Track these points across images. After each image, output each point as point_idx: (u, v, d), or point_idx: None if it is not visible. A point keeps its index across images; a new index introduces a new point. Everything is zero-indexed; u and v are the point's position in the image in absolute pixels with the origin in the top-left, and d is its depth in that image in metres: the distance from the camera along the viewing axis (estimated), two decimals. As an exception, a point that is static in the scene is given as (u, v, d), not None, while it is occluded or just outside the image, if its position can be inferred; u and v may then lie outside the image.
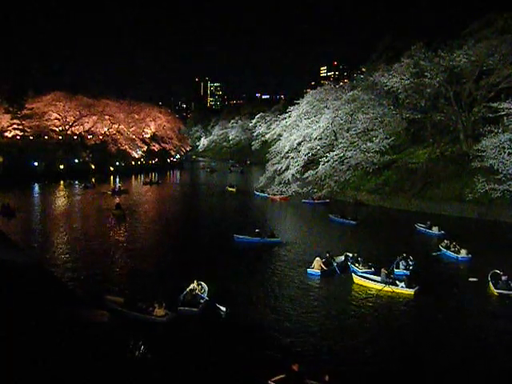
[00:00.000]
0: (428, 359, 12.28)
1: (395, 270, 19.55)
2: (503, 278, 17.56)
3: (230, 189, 53.51)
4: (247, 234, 25.50)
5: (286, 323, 14.33)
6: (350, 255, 21.02)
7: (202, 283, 16.33)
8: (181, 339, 13.12)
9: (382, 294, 17.14)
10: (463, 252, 22.82)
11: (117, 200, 41.27)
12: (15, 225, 29.14)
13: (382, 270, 18.16)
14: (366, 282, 18.14)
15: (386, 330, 14.36)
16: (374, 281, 17.97)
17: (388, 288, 17.29)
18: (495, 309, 16.52)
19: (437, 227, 29.32)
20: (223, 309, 14.87)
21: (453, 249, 23.53)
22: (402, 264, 19.95)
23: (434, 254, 23.59)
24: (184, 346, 12.64)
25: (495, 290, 17.44)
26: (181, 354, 12.10)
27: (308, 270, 19.48)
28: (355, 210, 36.44)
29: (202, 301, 15.24)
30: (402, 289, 17.17)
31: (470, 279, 18.87)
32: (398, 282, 17.52)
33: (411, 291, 16.99)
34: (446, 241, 24.70)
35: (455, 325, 14.89)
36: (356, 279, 18.45)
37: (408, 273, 19.24)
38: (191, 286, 15.89)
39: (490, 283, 18.04)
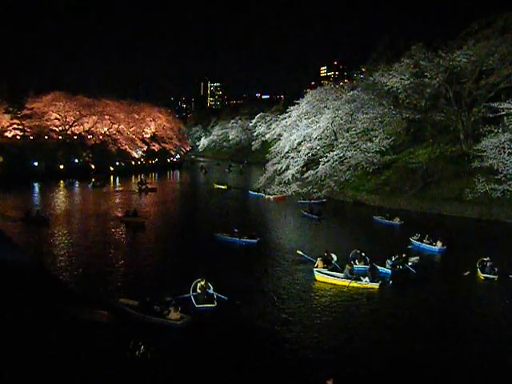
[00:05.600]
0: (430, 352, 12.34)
1: (380, 268, 19.86)
2: (488, 263, 19.38)
3: (218, 186, 54.71)
4: (227, 233, 25.76)
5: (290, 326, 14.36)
6: (358, 252, 21.14)
7: (205, 280, 16.48)
8: (195, 345, 12.99)
9: (346, 289, 17.42)
10: (439, 244, 23.85)
11: (142, 198, 42.32)
12: (17, 225, 28.51)
13: (347, 266, 18.48)
14: (328, 278, 18.33)
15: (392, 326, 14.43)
16: (336, 277, 18.24)
17: (353, 283, 17.61)
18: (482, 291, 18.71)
19: (398, 218, 31.48)
20: (225, 298, 15.52)
21: (427, 241, 24.33)
22: (388, 263, 19.97)
23: (410, 246, 24.04)
24: (198, 352, 12.46)
25: (482, 275, 19.32)
26: (194, 361, 11.95)
27: (314, 269, 19.51)
28: (323, 207, 38.33)
29: (214, 297, 15.63)
30: (366, 283, 17.61)
31: (465, 274, 19.64)
32: (361, 277, 17.87)
33: (376, 285, 17.52)
34: (417, 234, 25.40)
35: (452, 310, 15.63)
36: (318, 276, 18.57)
37: (390, 271, 19.57)
38: (198, 284, 16.06)
39: (478, 269, 19.63)
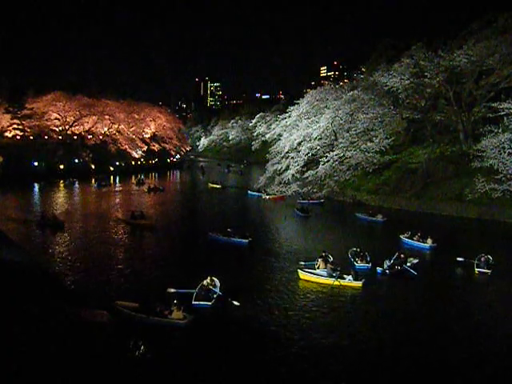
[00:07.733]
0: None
1: (379, 269, 19.84)
2: (482, 259, 20.22)
3: (212, 185, 55.31)
4: (221, 232, 25.83)
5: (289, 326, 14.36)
6: (357, 250, 21.28)
7: (215, 278, 16.65)
8: (197, 344, 12.95)
9: (330, 287, 17.57)
10: (429, 241, 24.32)
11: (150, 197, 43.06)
12: (18, 225, 28.29)
13: (328, 264, 18.60)
14: (312, 276, 18.41)
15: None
16: (320, 275, 18.33)
17: (337, 282, 17.73)
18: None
19: (380, 215, 32.52)
20: (236, 303, 15.33)
21: (417, 238, 24.72)
22: (386, 263, 19.87)
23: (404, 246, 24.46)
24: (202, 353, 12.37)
25: (476, 269, 20.06)
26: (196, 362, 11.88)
27: (317, 270, 19.51)
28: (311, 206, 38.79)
29: (214, 295, 15.69)
30: (349, 282, 17.73)
31: (458, 259, 20.95)
32: (345, 275, 17.98)
33: (359, 283, 17.65)
34: (408, 232, 25.76)
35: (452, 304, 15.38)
36: (301, 275, 18.63)
37: (381, 271, 19.64)
38: (204, 282, 16.19)
39: (475, 265, 20.31)
